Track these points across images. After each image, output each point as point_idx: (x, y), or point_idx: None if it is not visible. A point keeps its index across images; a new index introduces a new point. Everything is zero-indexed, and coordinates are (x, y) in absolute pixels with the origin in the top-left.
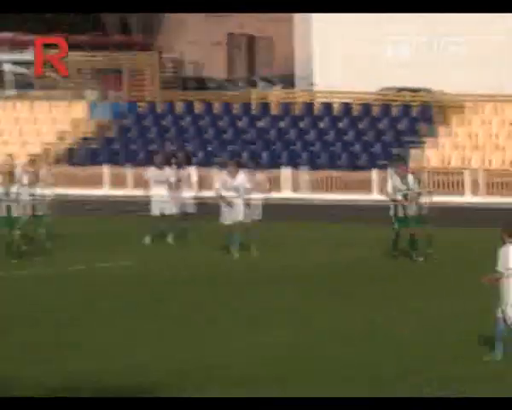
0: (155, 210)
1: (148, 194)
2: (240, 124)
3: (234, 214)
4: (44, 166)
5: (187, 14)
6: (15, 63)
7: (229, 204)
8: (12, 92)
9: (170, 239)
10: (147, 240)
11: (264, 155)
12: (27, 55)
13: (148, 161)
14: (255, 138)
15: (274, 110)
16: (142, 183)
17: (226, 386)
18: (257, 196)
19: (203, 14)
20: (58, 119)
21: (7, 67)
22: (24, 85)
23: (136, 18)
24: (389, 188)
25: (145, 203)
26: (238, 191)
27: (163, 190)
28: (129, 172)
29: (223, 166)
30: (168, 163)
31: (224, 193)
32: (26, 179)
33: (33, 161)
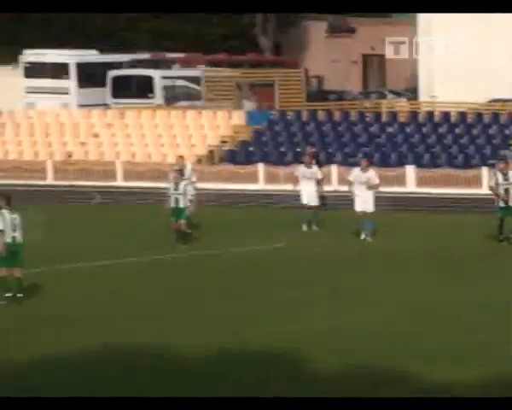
0: (304, 201)
1: (298, 188)
2: (372, 129)
3: (365, 204)
4: (208, 166)
5: (328, 38)
6: (186, 79)
7: (354, 195)
8: (184, 103)
9: (314, 226)
10: (304, 227)
11: (393, 155)
12: (196, 72)
13: (296, 160)
14: (385, 142)
15: (401, 118)
16: (292, 179)
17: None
18: (386, 190)
19: (343, 39)
20: (221, 125)
21: (179, 82)
22: (192, 97)
23: (286, 41)
24: (493, 183)
25: (294, 196)
26: (368, 185)
27: (310, 184)
28: (280, 169)
29: (358, 164)
30: (313, 162)
31: (357, 185)
32: (194, 177)
33: (200, 161)
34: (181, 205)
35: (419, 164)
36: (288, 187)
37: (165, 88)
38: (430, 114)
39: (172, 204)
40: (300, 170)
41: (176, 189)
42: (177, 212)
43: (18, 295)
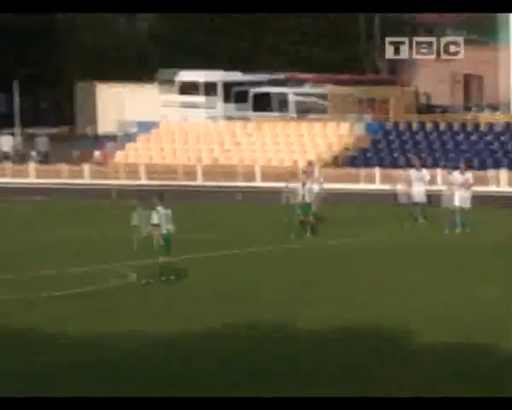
0: (414, 199)
1: (409, 188)
2: (458, 138)
3: (463, 201)
4: (333, 169)
5: (436, 61)
6: (315, 95)
7: (455, 194)
8: (312, 116)
9: (422, 220)
10: (420, 219)
11: (489, 160)
12: (323, 90)
13: (407, 164)
14: (483, 149)
15: (483, 128)
16: (404, 180)
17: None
18: (482, 189)
19: (448, 62)
20: (344, 135)
21: (309, 98)
22: (320, 111)
23: (400, 63)
24: None
25: (406, 195)
26: (464, 185)
27: (419, 185)
28: (393, 172)
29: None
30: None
31: (456, 185)
32: (321, 178)
33: (326, 165)
34: (307, 201)
35: (497, 167)
36: (401, 187)
37: (297, 103)
38: (507, 125)
39: (300, 201)
40: (411, 173)
41: (303, 187)
42: (304, 207)
43: (171, 277)
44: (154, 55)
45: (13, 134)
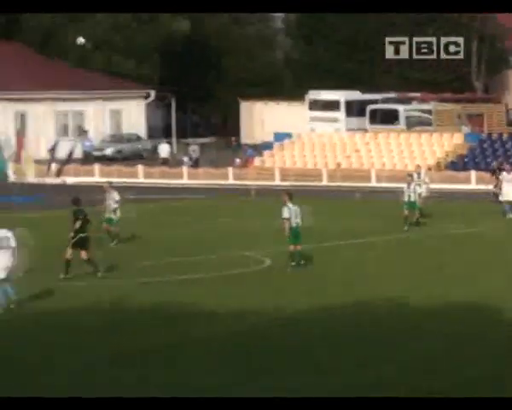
0: (504, 198)
1: (500, 188)
2: None
3: None
4: (436, 172)
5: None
6: (421, 111)
7: None
8: (419, 128)
9: (510, 215)
10: (509, 215)
11: None
12: (428, 106)
13: (486, 168)
14: None
15: None
16: (495, 181)
17: None
18: None
19: None
20: (445, 143)
21: (416, 113)
22: (425, 124)
23: (493, 83)
24: None
25: (494, 194)
26: None
27: (510, 185)
28: (486, 175)
29: None
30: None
31: None
32: (427, 179)
33: (430, 168)
34: (412, 199)
35: None
36: (493, 187)
37: (407, 117)
38: None
39: (406, 198)
40: (503, 175)
41: (408, 188)
42: (409, 204)
43: (301, 262)
44: (288, 77)
45: (170, 143)
